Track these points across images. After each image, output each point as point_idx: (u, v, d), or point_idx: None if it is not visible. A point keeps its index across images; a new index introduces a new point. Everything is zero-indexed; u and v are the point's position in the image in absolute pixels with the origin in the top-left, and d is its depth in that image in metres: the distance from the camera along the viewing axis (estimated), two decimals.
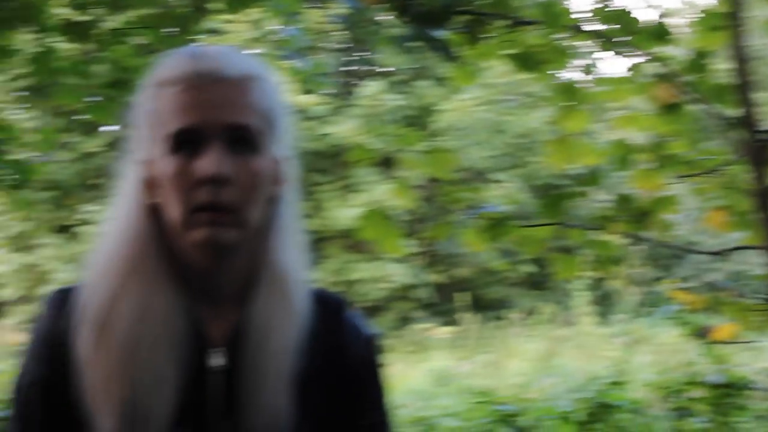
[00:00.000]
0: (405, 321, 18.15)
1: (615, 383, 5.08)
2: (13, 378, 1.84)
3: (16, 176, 5.95)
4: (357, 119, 18.14)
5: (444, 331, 15.13)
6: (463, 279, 20.53)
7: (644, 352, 10.09)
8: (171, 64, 1.80)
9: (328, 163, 18.79)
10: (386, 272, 17.56)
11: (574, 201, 4.38)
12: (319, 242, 18.72)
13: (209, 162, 1.72)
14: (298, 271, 1.85)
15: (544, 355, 11.30)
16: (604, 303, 18.42)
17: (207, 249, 1.75)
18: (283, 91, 1.89)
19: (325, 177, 18.62)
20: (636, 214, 4.27)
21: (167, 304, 1.77)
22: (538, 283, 20.75)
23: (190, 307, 1.80)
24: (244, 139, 1.75)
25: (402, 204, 4.95)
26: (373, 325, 1.97)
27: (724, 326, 4.57)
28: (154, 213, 1.79)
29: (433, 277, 20.92)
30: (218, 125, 1.74)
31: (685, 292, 4.73)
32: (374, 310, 19.18)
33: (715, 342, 4.72)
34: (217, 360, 1.79)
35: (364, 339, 1.93)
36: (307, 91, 17.82)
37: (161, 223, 1.79)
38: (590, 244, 4.42)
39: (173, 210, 1.75)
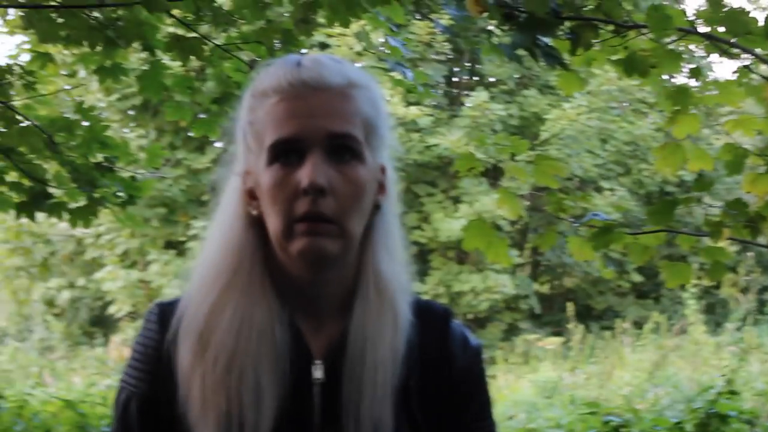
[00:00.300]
0: (512, 332, 18.04)
1: (728, 393, 4.97)
2: (116, 393, 1.86)
3: (127, 193, 6.05)
4: (463, 130, 18.10)
5: (551, 342, 14.99)
6: (570, 289, 20.34)
7: (756, 361, 9.85)
8: (271, 73, 1.79)
9: (435, 175, 18.79)
10: (493, 283, 17.46)
11: (684, 207, 4.31)
12: (426, 254, 18.71)
13: (308, 171, 1.70)
14: (400, 282, 1.83)
15: (654, 365, 11.12)
16: (715, 312, 18.09)
17: (308, 259, 1.73)
18: (384, 101, 1.87)
19: (432, 188, 18.61)
20: (748, 219, 4.18)
21: (268, 316, 1.77)
22: (647, 293, 20.46)
23: (291, 320, 1.79)
24: (345, 148, 1.73)
25: (508, 213, 4.92)
26: (478, 336, 1.94)
27: None
28: (256, 224, 1.79)
29: (540, 288, 20.76)
30: (319, 134, 1.72)
31: None
32: (481, 321, 19.11)
33: None
34: (317, 372, 1.79)
35: (470, 350, 1.90)
36: (413, 103, 17.85)
37: (263, 234, 1.79)
38: (701, 251, 4.34)
39: (274, 221, 1.75)
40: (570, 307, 14.71)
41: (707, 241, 4.27)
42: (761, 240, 4.56)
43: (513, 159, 4.64)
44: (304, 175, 1.71)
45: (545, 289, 20.99)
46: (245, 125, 1.81)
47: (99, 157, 6.00)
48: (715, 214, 4.25)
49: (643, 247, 4.48)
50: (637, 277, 19.62)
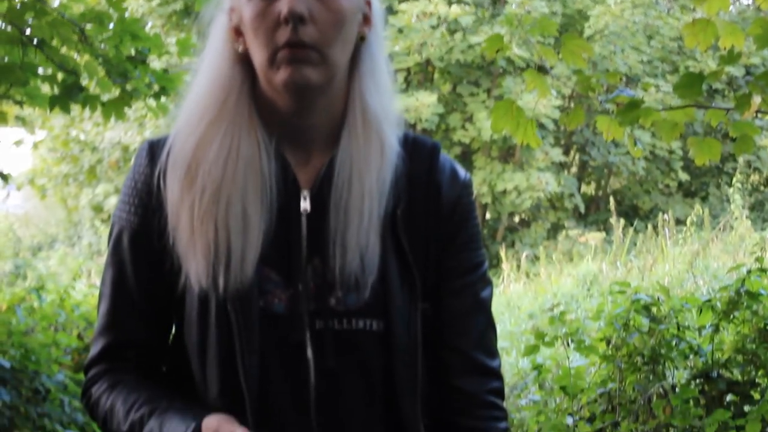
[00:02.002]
0: (556, 230, 18.01)
1: (758, 270, 4.94)
2: (110, 228, 1.91)
3: (159, 85, 6.08)
4: (505, 28, 17.89)
5: (594, 237, 14.98)
6: (616, 190, 20.24)
7: None
8: None
9: (477, 75, 18.64)
10: (536, 181, 17.38)
11: (711, 81, 4.25)
12: (470, 153, 18.65)
13: (288, 0, 1.72)
14: (387, 114, 1.85)
15: (694, 256, 11.09)
16: (764, 209, 17.95)
17: (292, 88, 1.76)
18: None
19: (475, 88, 18.48)
20: None
21: (255, 147, 1.80)
22: (694, 192, 20.32)
23: (278, 152, 1.83)
24: None
25: (538, 94, 4.87)
26: (466, 169, 1.96)
27: None
28: (242, 60, 1.82)
29: (586, 188, 20.67)
30: None
31: None
32: (525, 220, 19.10)
33: None
34: (304, 202, 1.82)
35: (458, 182, 1.92)
36: (454, 1, 17.66)
37: (250, 70, 1.82)
38: (730, 125, 4.29)
39: (258, 52, 1.77)
40: (612, 202, 14.66)
41: (734, 116, 4.21)
42: None
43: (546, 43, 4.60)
44: (284, 3, 1.73)
45: (591, 189, 20.90)
46: None
47: (131, 49, 6.02)
48: (745, 88, 4.19)
49: (672, 124, 4.43)
50: (684, 175, 19.47)
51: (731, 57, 4.22)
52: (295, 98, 1.79)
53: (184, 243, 1.79)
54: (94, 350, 1.92)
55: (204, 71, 1.84)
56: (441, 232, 1.89)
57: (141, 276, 1.87)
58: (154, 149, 1.87)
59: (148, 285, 1.87)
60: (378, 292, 1.81)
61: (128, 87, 6.06)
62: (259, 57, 1.78)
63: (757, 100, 4.01)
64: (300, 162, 1.85)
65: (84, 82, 5.95)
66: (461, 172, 1.94)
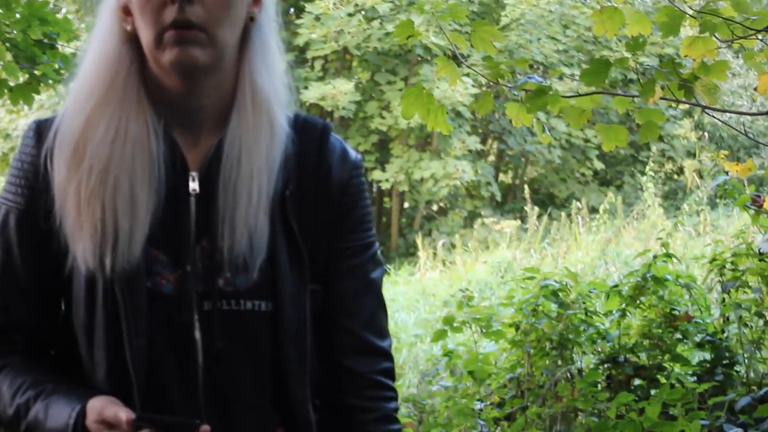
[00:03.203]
0: (473, 219, 18.11)
1: (664, 256, 5.02)
2: None
3: (68, 70, 5.99)
4: (422, 16, 17.94)
5: (509, 225, 15.10)
6: (534, 178, 20.42)
7: (707, 241, 9.97)
8: None
9: (395, 63, 18.66)
10: (453, 169, 17.46)
11: (617, 67, 4.29)
12: (387, 142, 18.68)
13: None
14: (277, 95, 1.84)
15: (607, 244, 11.23)
16: (676, 198, 18.24)
17: (178, 69, 1.75)
18: None
19: (392, 76, 18.50)
20: (682, 80, 4.17)
21: (143, 128, 1.78)
22: (610, 181, 20.57)
23: (167, 133, 1.81)
24: None
25: (450, 81, 4.88)
26: (356, 150, 1.96)
27: None
28: (131, 40, 1.80)
29: (504, 177, 20.82)
30: None
31: (736, 162, 4.65)
32: (442, 208, 19.19)
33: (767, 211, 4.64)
34: (193, 183, 1.81)
35: (348, 163, 1.92)
36: None
37: (139, 50, 1.80)
38: (635, 111, 4.34)
39: (145, 32, 1.76)
40: (527, 190, 14.80)
41: (640, 103, 4.26)
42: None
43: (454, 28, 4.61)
44: None
45: (508, 178, 21.05)
46: None
47: (39, 33, 5.92)
48: (652, 75, 4.24)
49: (579, 111, 4.46)
50: (599, 164, 19.70)
51: (636, 44, 4.27)
52: (183, 79, 1.77)
53: (70, 224, 1.78)
54: None
55: (92, 50, 1.82)
56: (331, 212, 1.88)
57: (28, 258, 1.84)
58: (41, 129, 1.85)
59: (35, 267, 1.84)
60: (267, 273, 1.81)
61: (36, 72, 5.97)
62: (146, 37, 1.76)
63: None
64: (189, 143, 1.84)
65: None
66: (352, 153, 1.93)
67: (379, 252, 1.97)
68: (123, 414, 1.68)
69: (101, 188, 1.76)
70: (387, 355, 1.94)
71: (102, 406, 1.71)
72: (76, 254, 1.77)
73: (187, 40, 1.72)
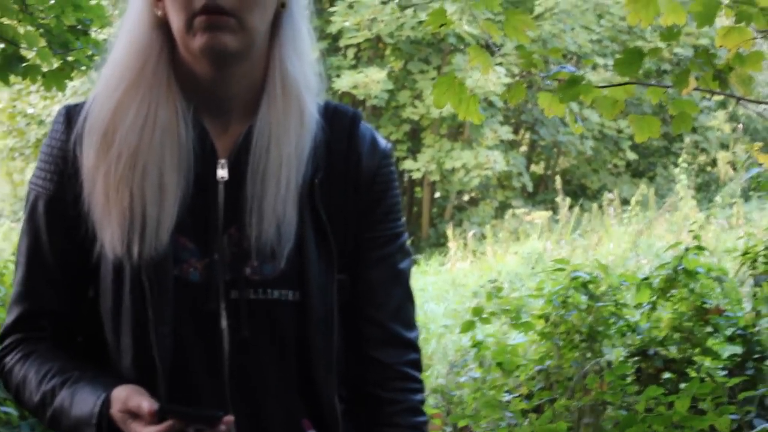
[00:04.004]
0: (504, 209, 18.07)
1: (695, 249, 4.98)
2: (26, 195, 1.88)
3: (101, 56, 5.98)
4: (456, 4, 17.89)
5: (540, 216, 15.05)
6: (566, 169, 20.34)
7: (740, 233, 9.90)
8: None
9: (428, 52, 18.62)
10: (484, 159, 17.41)
11: (651, 58, 4.26)
12: (419, 131, 18.65)
13: None
14: (308, 81, 1.83)
15: (638, 236, 11.17)
16: (709, 189, 18.12)
17: (209, 55, 1.74)
18: None
19: (425, 65, 18.46)
20: (717, 70, 4.13)
21: (173, 114, 1.78)
22: (642, 172, 20.46)
23: (197, 119, 1.81)
24: None
25: (482, 70, 4.85)
26: (387, 139, 1.94)
27: None
28: (161, 25, 1.79)
29: (535, 167, 20.75)
30: None
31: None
32: (473, 199, 19.15)
33: None
34: (222, 171, 1.81)
35: (378, 152, 1.90)
36: None
37: (169, 35, 1.79)
38: (669, 102, 4.30)
39: (175, 17, 1.75)
40: (559, 181, 14.73)
41: (674, 94, 4.23)
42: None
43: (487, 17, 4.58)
44: None
45: (540, 168, 20.98)
46: None
47: (72, 19, 5.94)
48: (685, 65, 4.20)
49: (613, 101, 4.43)
50: (632, 155, 19.60)
51: (671, 34, 4.22)
52: (213, 65, 1.77)
53: (99, 210, 1.77)
54: (8, 319, 1.89)
55: (123, 36, 1.82)
56: (360, 202, 1.87)
57: (56, 244, 1.84)
58: (71, 114, 1.84)
59: (63, 253, 1.84)
60: (294, 262, 1.80)
61: (69, 58, 5.99)
62: (176, 22, 1.75)
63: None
64: (218, 130, 1.83)
65: (25, 53, 5.87)
66: (382, 141, 1.92)
67: (408, 242, 1.95)
68: (146, 404, 1.67)
69: (130, 174, 1.75)
70: (414, 347, 1.93)
71: (127, 396, 1.71)
72: (104, 241, 1.77)
73: (217, 26, 1.72)
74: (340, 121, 1.88)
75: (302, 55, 1.83)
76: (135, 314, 1.77)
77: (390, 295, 1.90)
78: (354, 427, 1.89)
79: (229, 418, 1.68)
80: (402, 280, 1.92)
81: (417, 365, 1.92)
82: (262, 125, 1.79)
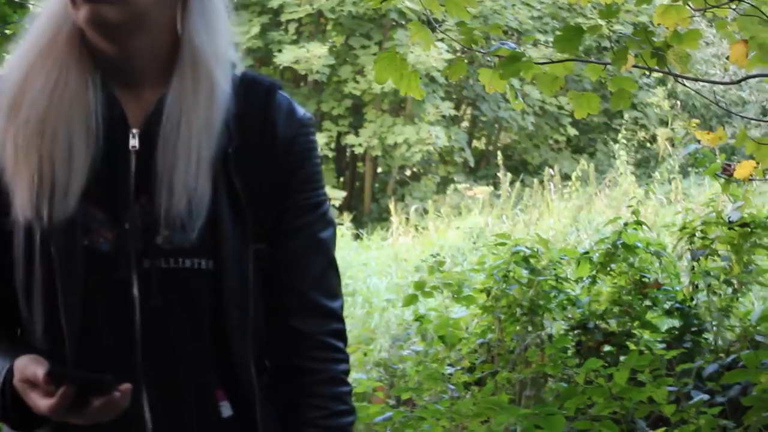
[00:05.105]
0: (446, 184, 18.14)
1: (634, 224, 5.05)
2: None
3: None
4: None
5: (481, 191, 15.14)
6: (507, 145, 20.45)
7: (678, 209, 10.03)
8: None
9: (369, 27, 18.61)
10: (426, 135, 17.46)
11: (591, 35, 4.31)
12: (361, 106, 18.65)
13: None
14: (218, 56, 1.83)
15: (578, 211, 11.27)
16: (646, 165, 18.31)
17: (91, 26, 1.75)
18: None
19: (366, 41, 18.45)
20: (655, 48, 4.18)
21: (83, 81, 1.78)
22: (583, 148, 20.62)
23: (108, 89, 1.81)
24: None
25: (423, 46, 4.87)
26: (305, 109, 1.94)
27: (744, 163, 4.52)
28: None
29: (477, 143, 20.83)
30: None
31: (707, 131, 4.67)
32: (415, 174, 19.19)
33: (737, 180, 4.67)
34: (133, 140, 1.80)
35: (295, 121, 1.90)
36: None
37: None
38: (608, 80, 4.35)
39: None
40: (500, 156, 14.82)
41: (613, 71, 4.28)
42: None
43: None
44: None
45: (481, 144, 21.07)
46: None
47: None
48: (624, 42, 4.25)
49: (553, 78, 4.47)
50: (572, 131, 19.74)
51: (610, 11, 4.28)
52: (103, 37, 1.77)
53: (8, 172, 1.77)
54: None
55: (44, 7, 1.82)
56: (277, 171, 1.86)
57: None
58: None
59: None
60: (207, 232, 1.79)
61: (7, 31, 5.92)
62: None
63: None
64: (130, 100, 1.83)
65: None
66: (300, 110, 1.91)
67: (330, 212, 1.94)
68: (41, 372, 1.66)
69: (38, 138, 1.75)
70: (337, 316, 1.91)
71: (24, 365, 1.70)
72: (15, 205, 1.76)
73: None
74: (257, 91, 1.87)
75: (213, 29, 1.82)
76: (45, 284, 1.76)
77: (311, 263, 1.89)
78: (274, 398, 1.88)
79: (126, 386, 1.67)
80: (324, 249, 1.91)
81: (339, 335, 1.91)
82: (172, 99, 1.79)
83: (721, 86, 15.36)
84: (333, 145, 18.34)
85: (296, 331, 1.88)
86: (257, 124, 1.86)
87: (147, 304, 1.78)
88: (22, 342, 1.82)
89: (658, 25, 4.44)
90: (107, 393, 1.66)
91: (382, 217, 16.87)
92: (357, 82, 18.07)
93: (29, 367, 1.69)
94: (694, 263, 5.21)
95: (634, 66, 4.17)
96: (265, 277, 1.86)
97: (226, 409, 1.84)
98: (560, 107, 19.16)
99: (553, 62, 4.41)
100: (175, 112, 1.78)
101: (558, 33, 4.22)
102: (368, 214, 17.99)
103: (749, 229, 4.91)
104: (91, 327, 1.77)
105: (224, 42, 1.84)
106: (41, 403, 1.67)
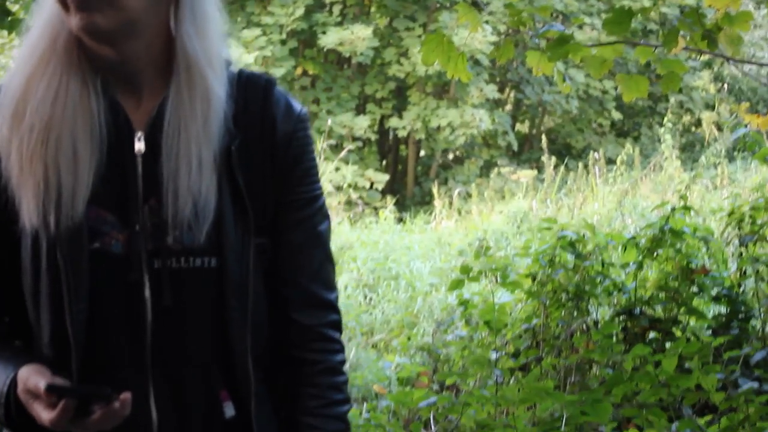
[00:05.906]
0: (489, 168, 18.06)
1: (682, 208, 4.99)
2: None
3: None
4: None
5: (525, 175, 15.06)
6: (551, 128, 20.33)
7: (725, 194, 9.92)
8: None
9: (413, 9, 18.53)
10: (470, 118, 17.36)
11: (642, 17, 4.25)
12: (404, 89, 18.59)
13: None
14: (211, 59, 1.84)
15: (623, 195, 11.19)
16: (694, 150, 18.15)
17: (84, 33, 1.76)
18: None
19: (411, 23, 18.36)
20: (705, 30, 4.13)
21: (84, 87, 1.80)
22: (627, 132, 20.48)
23: (110, 95, 1.82)
24: None
25: (470, 28, 4.84)
26: (302, 104, 1.96)
27: None
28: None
29: (521, 127, 20.73)
30: None
31: (756, 114, 4.61)
32: (458, 157, 19.13)
33: None
34: (139, 144, 1.82)
35: (293, 116, 1.92)
36: None
37: None
38: (657, 62, 4.30)
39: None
40: (545, 140, 14.72)
41: (662, 53, 4.23)
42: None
43: None
44: None
45: (525, 127, 20.96)
46: None
47: None
48: (674, 25, 4.20)
49: (601, 60, 4.44)
50: (617, 115, 19.59)
51: None
52: (99, 44, 1.79)
53: (14, 183, 1.79)
54: None
55: (39, 16, 1.83)
56: (277, 165, 1.89)
57: None
58: None
59: None
60: (213, 230, 1.82)
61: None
62: (57, 3, 1.76)
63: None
64: (131, 104, 1.85)
65: (10, 6, 5.82)
66: (297, 106, 1.94)
67: (325, 205, 1.98)
68: (42, 384, 1.69)
69: (42, 147, 1.77)
70: (334, 308, 1.96)
71: (27, 377, 1.72)
72: (22, 213, 1.78)
73: (87, 5, 1.73)
74: (254, 88, 1.90)
75: (204, 34, 1.83)
76: (52, 291, 1.79)
77: (309, 256, 1.93)
78: (270, 397, 1.92)
79: (126, 395, 1.69)
80: (321, 242, 1.95)
81: (337, 326, 1.96)
82: (170, 105, 1.82)
83: None
84: (376, 128, 18.30)
85: (297, 323, 1.92)
86: (257, 119, 1.88)
87: (158, 305, 1.81)
88: (30, 348, 1.84)
89: (709, 6, 4.39)
90: (108, 403, 1.68)
91: (425, 201, 16.82)
92: (401, 64, 17.99)
93: (31, 378, 1.71)
94: (742, 249, 5.15)
95: (684, 48, 4.12)
96: (267, 271, 1.89)
97: (229, 410, 1.87)
98: (605, 91, 19.02)
99: (602, 44, 4.36)
100: (174, 118, 1.81)
101: (607, 15, 4.18)
102: (411, 198, 17.95)
103: None
104: (99, 331, 1.79)
105: (216, 44, 1.86)
106: (44, 414, 1.70)
